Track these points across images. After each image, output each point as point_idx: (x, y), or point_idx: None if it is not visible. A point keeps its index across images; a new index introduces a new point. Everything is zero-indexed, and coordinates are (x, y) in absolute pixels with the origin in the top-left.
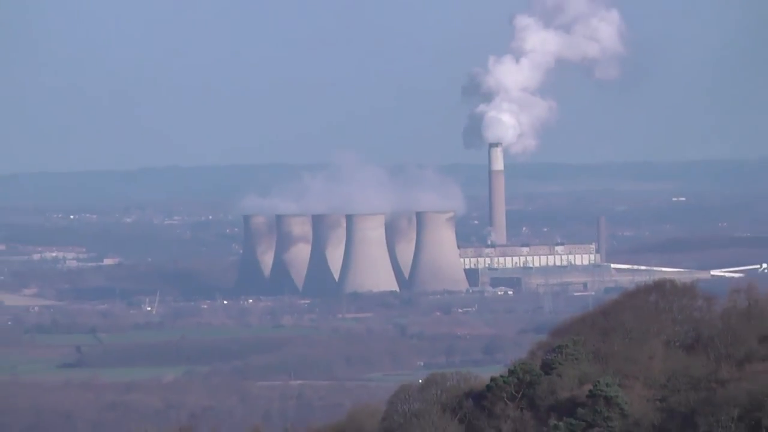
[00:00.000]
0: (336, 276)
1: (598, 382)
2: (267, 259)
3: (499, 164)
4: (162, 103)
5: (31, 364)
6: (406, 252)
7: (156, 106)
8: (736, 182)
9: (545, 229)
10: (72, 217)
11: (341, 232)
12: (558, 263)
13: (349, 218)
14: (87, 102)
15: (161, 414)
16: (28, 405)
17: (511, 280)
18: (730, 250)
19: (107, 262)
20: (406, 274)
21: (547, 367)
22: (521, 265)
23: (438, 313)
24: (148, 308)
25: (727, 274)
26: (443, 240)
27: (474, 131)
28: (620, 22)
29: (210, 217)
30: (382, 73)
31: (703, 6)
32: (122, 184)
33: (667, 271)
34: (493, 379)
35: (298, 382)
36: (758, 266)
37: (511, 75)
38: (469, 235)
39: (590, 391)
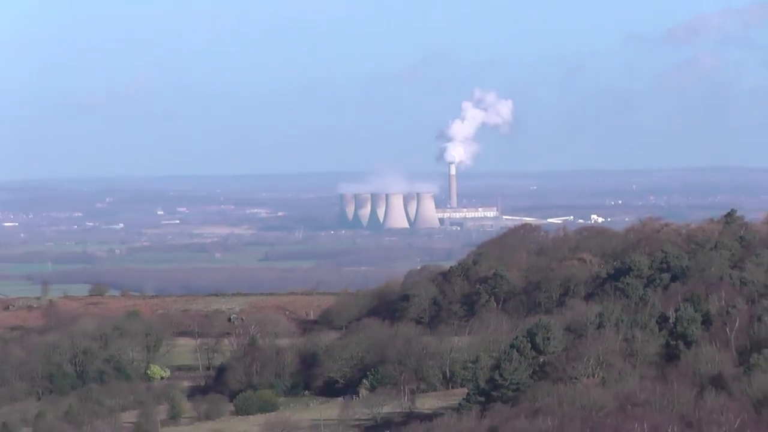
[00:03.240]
0: (381, 221)
1: (497, 268)
2: (350, 213)
3: (453, 171)
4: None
5: (245, 260)
6: (412, 210)
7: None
8: (558, 181)
9: (474, 200)
10: (264, 194)
11: (384, 202)
12: (479, 215)
13: (387, 195)
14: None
15: (303, 281)
16: (245, 278)
17: (459, 223)
18: (555, 210)
19: (279, 214)
20: (412, 220)
21: (475, 262)
22: (463, 216)
23: (426, 238)
24: (298, 235)
25: (554, 221)
26: (428, 205)
27: (441, 156)
28: (512, 105)
29: (324, 195)
30: (399, 131)
31: (531, 94)
32: (287, 179)
33: (528, 219)
34: (451, 268)
35: (363, 268)
36: (569, 218)
37: (460, 130)
38: (440, 203)
39: (494, 273)
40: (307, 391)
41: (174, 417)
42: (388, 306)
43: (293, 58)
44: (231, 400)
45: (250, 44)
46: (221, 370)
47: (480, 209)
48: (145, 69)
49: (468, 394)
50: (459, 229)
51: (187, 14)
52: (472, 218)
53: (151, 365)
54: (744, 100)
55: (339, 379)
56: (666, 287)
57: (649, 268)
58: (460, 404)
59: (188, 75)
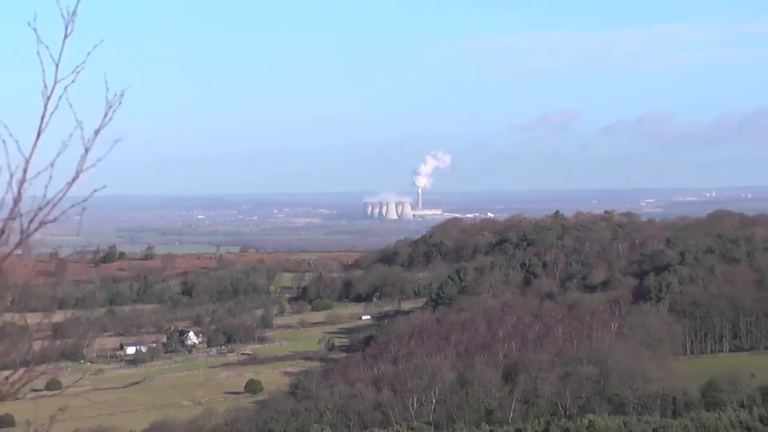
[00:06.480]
0: (384, 216)
1: (441, 239)
2: (369, 212)
3: (420, 191)
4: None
5: (316, 235)
6: (399, 210)
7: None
8: (472, 195)
9: (430, 205)
10: (326, 201)
11: (386, 206)
12: (432, 213)
13: (387, 203)
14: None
15: (345, 245)
16: (316, 244)
17: (422, 217)
18: (470, 210)
19: (333, 212)
20: (399, 215)
21: (430, 236)
22: (425, 213)
23: (406, 224)
24: (343, 222)
25: (470, 216)
26: (407, 208)
27: (414, 183)
28: (450, 158)
29: (356, 202)
30: (394, 170)
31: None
32: (338, 195)
33: (456, 215)
34: (418, 239)
35: (375, 239)
36: (477, 214)
37: (424, 170)
38: (413, 207)
39: (439, 241)
40: (346, 299)
41: (281, 312)
42: (387, 258)
43: (339, 135)
44: (309, 303)
45: (319, 140)
46: (305, 289)
47: (433, 209)
48: (275, 129)
49: (426, 301)
50: (423, 219)
51: (278, 110)
52: (429, 214)
53: (270, 286)
54: (569, 157)
55: (363, 293)
56: (525, 248)
57: (516, 239)
58: (422, 306)
59: (294, 138)
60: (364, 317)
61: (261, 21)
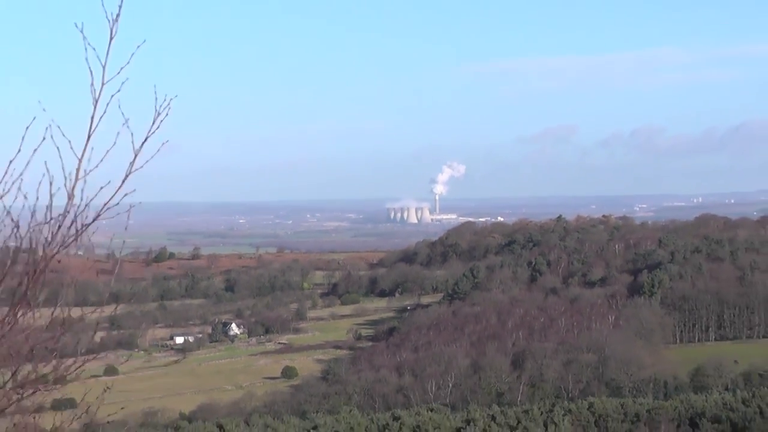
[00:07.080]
0: (406, 220)
1: (456, 240)
2: (392, 216)
3: (437, 197)
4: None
5: (345, 237)
6: (419, 215)
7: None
8: (485, 201)
9: (446, 210)
10: (354, 206)
11: (407, 211)
12: (448, 217)
13: (408, 208)
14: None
15: (371, 246)
16: (345, 245)
17: (439, 221)
18: (482, 214)
19: (360, 216)
20: (419, 220)
21: (446, 238)
22: (441, 218)
23: (425, 227)
24: (369, 226)
25: (482, 220)
26: (426, 213)
27: (432, 190)
28: (465, 167)
29: (381, 208)
30: (414, 179)
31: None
32: (365, 201)
33: (470, 219)
34: (435, 240)
35: (397, 240)
36: (489, 218)
37: (441, 178)
38: (431, 211)
39: (455, 242)
40: (372, 294)
41: (313, 306)
42: (408, 257)
43: (365, 147)
44: (339, 298)
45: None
46: (335, 285)
47: (449, 214)
48: (308, 141)
49: (443, 296)
50: (440, 223)
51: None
52: (446, 218)
53: (304, 282)
54: (569, 167)
55: (387, 289)
56: (531, 249)
57: (523, 241)
58: (439, 300)
59: (325, 149)
60: (408, 307)
61: (300, 44)
